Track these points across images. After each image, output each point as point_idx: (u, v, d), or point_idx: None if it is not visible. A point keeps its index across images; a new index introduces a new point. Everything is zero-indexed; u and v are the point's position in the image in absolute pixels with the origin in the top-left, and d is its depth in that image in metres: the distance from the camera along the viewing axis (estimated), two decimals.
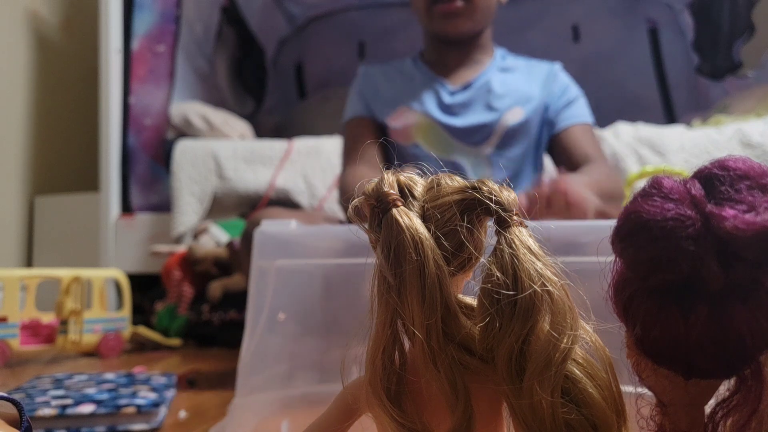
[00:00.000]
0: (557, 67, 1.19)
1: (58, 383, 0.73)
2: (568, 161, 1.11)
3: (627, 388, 0.26)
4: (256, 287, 0.66)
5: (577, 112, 1.15)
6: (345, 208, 1.17)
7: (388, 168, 0.29)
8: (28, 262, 1.88)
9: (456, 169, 0.29)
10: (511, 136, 1.11)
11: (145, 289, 1.61)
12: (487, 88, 1.14)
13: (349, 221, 0.29)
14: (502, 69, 1.17)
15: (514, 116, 1.12)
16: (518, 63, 1.20)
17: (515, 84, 1.15)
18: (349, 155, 1.17)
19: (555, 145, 1.14)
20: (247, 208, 1.68)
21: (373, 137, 1.14)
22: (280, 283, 0.67)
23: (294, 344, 0.70)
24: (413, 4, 1.16)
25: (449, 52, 1.16)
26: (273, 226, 0.67)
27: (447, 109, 1.13)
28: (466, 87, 1.14)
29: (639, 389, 0.26)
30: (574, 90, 1.17)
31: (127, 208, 1.73)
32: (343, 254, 0.70)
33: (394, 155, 1.09)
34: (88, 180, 2.01)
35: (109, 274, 1.23)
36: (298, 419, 0.64)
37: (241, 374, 0.64)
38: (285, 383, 0.69)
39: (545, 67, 1.19)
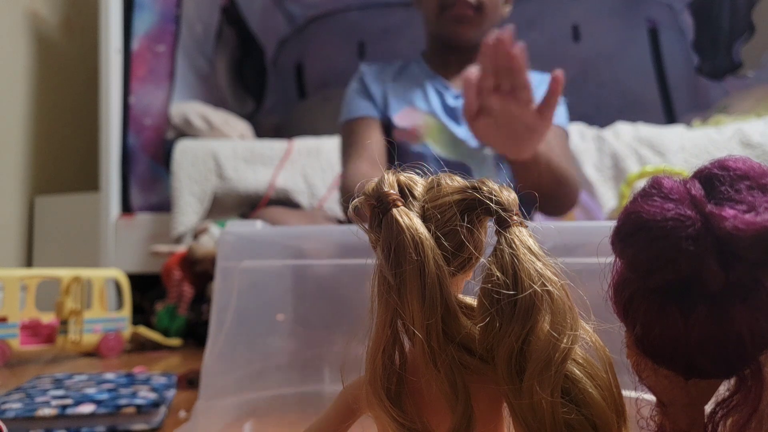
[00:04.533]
0: (546, 78, 1.21)
1: (58, 383, 0.73)
2: None
3: (627, 392, 0.26)
4: (220, 289, 0.65)
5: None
6: (346, 207, 1.16)
7: (390, 167, 0.29)
8: (28, 262, 1.88)
9: (462, 171, 0.29)
10: None
11: (145, 289, 1.60)
12: None
13: (350, 220, 0.29)
14: None
15: None
16: None
17: None
18: (352, 154, 1.15)
19: None
20: (247, 208, 1.67)
21: (378, 136, 1.13)
22: (246, 284, 0.67)
23: (259, 346, 0.70)
24: (422, 7, 1.16)
25: (452, 56, 1.17)
26: (238, 227, 0.67)
27: (451, 112, 1.13)
28: None
29: (639, 392, 0.26)
30: None
31: (127, 208, 1.73)
32: (313, 254, 0.70)
33: (395, 154, 1.09)
34: (88, 180, 2.00)
35: (109, 274, 1.23)
36: (263, 422, 0.64)
37: (204, 377, 0.64)
38: (250, 386, 0.69)
39: (539, 77, 1.20)
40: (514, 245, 0.25)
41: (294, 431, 0.59)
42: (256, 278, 0.69)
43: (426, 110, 1.12)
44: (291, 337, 0.72)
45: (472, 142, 1.11)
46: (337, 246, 0.67)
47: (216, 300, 0.65)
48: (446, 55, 1.18)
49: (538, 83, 1.18)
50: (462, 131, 1.12)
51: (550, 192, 1.01)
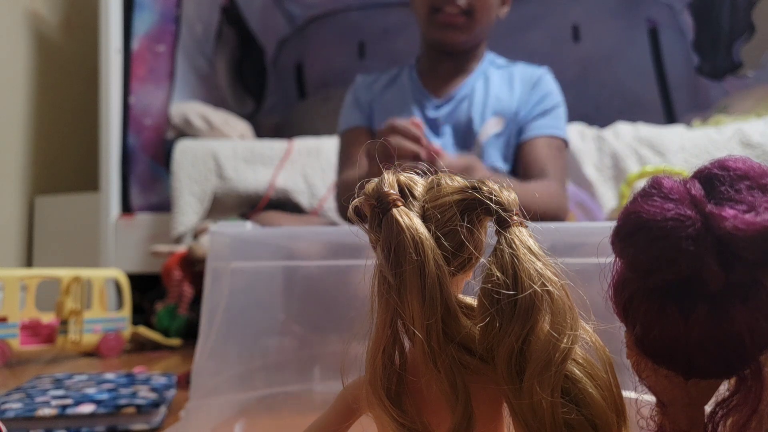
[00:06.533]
0: (542, 72, 1.17)
1: (58, 383, 0.73)
2: (523, 176, 1.08)
3: (627, 392, 0.26)
4: (211, 289, 0.65)
5: (549, 123, 1.11)
6: (341, 211, 1.17)
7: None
8: (28, 262, 1.88)
9: None
10: (491, 145, 1.11)
11: (145, 289, 1.60)
12: (469, 100, 1.13)
13: (349, 222, 0.29)
14: (486, 77, 1.16)
15: (494, 126, 1.11)
16: (504, 69, 1.19)
17: (496, 93, 1.14)
18: (346, 163, 1.17)
19: (517, 154, 1.12)
20: (247, 208, 1.67)
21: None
22: (236, 284, 0.67)
23: (250, 346, 0.71)
24: (414, 9, 1.16)
25: (443, 61, 1.17)
26: (227, 228, 0.67)
27: (431, 123, 1.13)
28: (449, 100, 1.14)
29: (639, 392, 0.26)
30: (553, 99, 1.14)
31: (127, 208, 1.73)
32: (303, 255, 0.70)
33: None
34: (88, 180, 2.00)
35: (109, 274, 1.23)
36: (254, 422, 0.64)
37: (195, 376, 0.64)
38: (241, 385, 0.69)
39: (531, 73, 1.17)
40: (514, 245, 0.25)
41: (284, 431, 0.59)
42: (247, 279, 0.69)
43: None
44: (281, 337, 0.72)
45: (451, 151, 1.11)
46: (327, 246, 0.67)
47: (206, 300, 0.65)
48: (437, 60, 1.17)
49: (538, 79, 1.17)
50: (440, 142, 1.11)
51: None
